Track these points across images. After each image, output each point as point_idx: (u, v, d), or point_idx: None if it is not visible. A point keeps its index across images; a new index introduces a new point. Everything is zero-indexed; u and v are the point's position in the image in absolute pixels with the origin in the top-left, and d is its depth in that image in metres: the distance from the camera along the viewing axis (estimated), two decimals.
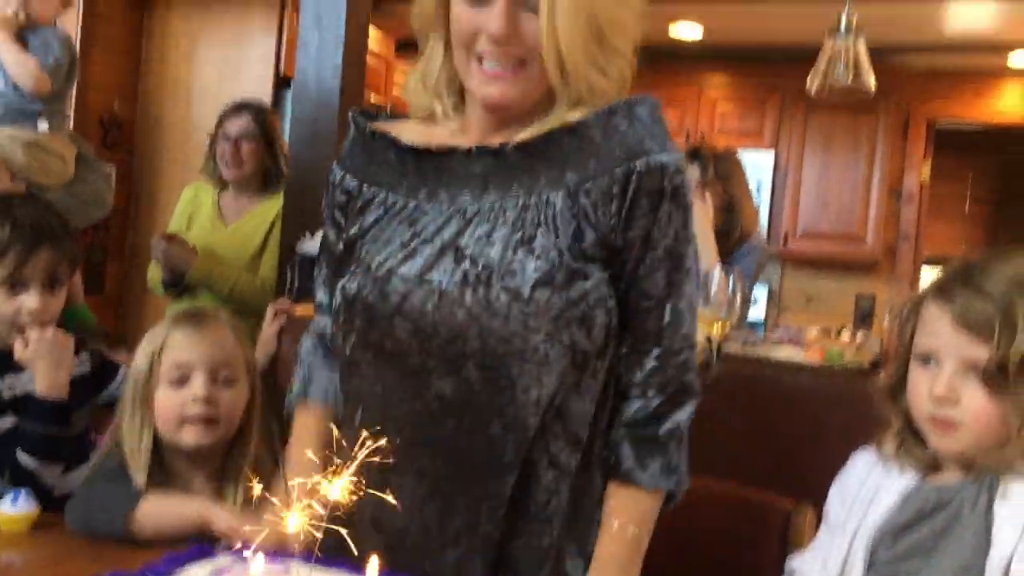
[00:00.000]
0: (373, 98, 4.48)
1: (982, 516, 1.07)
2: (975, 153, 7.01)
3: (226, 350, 1.42)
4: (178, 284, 2.72)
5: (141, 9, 4.00)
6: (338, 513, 0.83)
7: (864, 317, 5.29)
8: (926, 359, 1.12)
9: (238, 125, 2.81)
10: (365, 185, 1.20)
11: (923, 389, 1.11)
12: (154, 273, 2.80)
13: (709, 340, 2.50)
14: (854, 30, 2.74)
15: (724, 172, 3.35)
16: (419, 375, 1.09)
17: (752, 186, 4.32)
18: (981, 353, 1.06)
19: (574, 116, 1.11)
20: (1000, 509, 1.05)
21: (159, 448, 1.38)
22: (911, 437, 1.15)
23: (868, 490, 1.17)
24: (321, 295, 1.29)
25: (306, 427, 1.25)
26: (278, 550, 0.91)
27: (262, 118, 2.88)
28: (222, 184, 2.87)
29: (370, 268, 1.14)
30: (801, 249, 5.20)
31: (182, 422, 1.37)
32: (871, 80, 2.80)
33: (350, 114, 1.27)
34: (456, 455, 1.10)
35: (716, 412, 1.33)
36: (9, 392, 1.50)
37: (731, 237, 3.34)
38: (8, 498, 1.22)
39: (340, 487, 0.80)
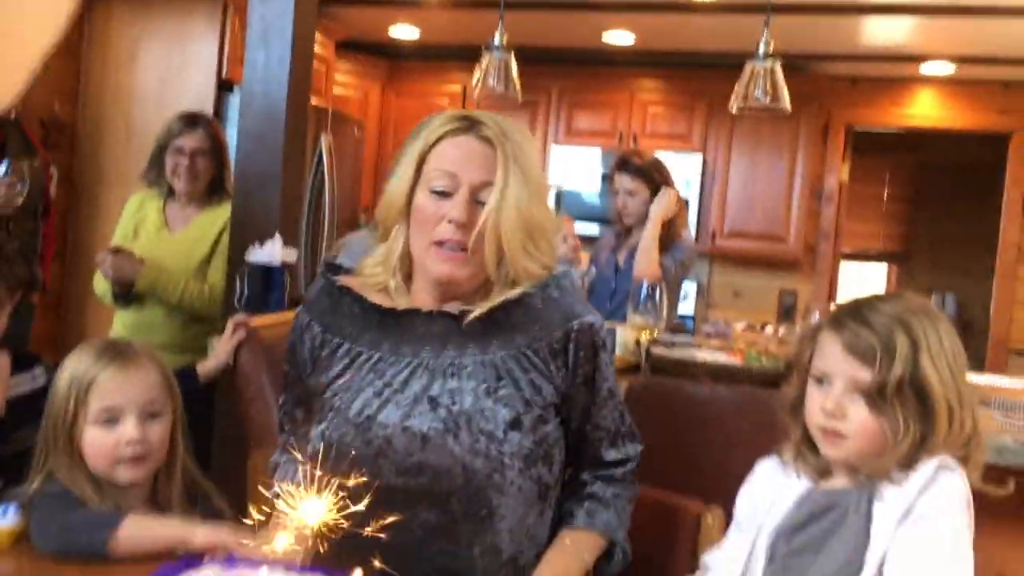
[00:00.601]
0: (314, 100, 4.56)
1: (863, 517, 1.24)
2: (892, 154, 7.34)
3: (152, 388, 1.47)
4: (127, 295, 2.80)
5: (82, 12, 4.01)
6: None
7: (787, 312, 5.55)
8: (820, 379, 1.29)
9: (194, 140, 2.88)
10: (328, 334, 1.41)
11: (816, 404, 1.29)
12: (101, 285, 2.86)
13: (638, 344, 2.67)
14: (772, 54, 2.93)
15: (652, 177, 3.53)
16: (406, 507, 1.26)
17: (680, 187, 4.52)
18: (865, 376, 1.24)
19: (515, 292, 1.37)
20: (877, 511, 1.23)
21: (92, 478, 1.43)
22: (807, 446, 1.32)
23: (770, 493, 1.35)
24: (284, 412, 1.49)
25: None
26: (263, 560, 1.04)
27: (213, 131, 2.96)
28: (169, 193, 2.95)
29: (348, 416, 1.33)
30: (728, 247, 5.42)
31: (115, 462, 1.42)
32: (787, 100, 3.00)
33: (320, 269, 1.49)
34: (438, 574, 1.29)
35: (636, 422, 1.49)
36: None
37: (663, 236, 3.52)
38: None
39: (315, 512, 0.93)
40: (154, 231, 2.93)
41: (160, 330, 2.85)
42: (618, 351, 2.81)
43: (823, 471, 1.31)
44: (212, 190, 2.97)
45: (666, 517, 1.54)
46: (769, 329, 5.02)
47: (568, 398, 1.39)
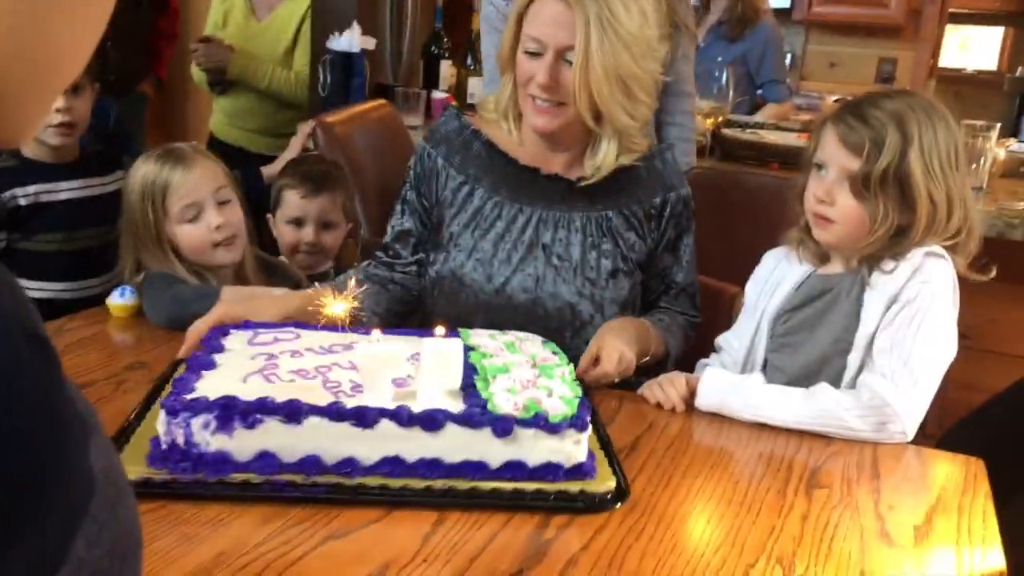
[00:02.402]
0: None
1: (854, 301, 1.38)
2: None
3: (218, 177, 1.65)
4: (222, 82, 2.99)
5: None
6: None
7: (885, 82, 5.38)
8: (819, 168, 1.40)
9: None
10: (453, 170, 1.56)
11: (812, 190, 1.40)
12: (197, 74, 3.06)
13: (703, 134, 2.74)
14: None
15: None
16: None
17: None
18: (854, 166, 1.34)
19: (624, 160, 1.54)
20: (868, 296, 1.37)
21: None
22: (808, 232, 1.45)
23: (774, 279, 1.49)
24: (399, 228, 1.62)
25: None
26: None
27: None
28: None
29: (471, 253, 1.53)
30: (824, 14, 5.21)
31: (212, 248, 1.63)
32: None
33: (451, 108, 1.65)
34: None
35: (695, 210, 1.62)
36: None
37: (737, 11, 3.46)
38: (117, 292, 1.56)
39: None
40: (242, 19, 3.07)
41: (254, 116, 3.05)
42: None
43: (822, 257, 1.45)
44: None
45: (707, 299, 1.69)
46: None
47: (653, 256, 1.59)
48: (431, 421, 1.01)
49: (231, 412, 0.95)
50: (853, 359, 1.36)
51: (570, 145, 1.56)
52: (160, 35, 3.38)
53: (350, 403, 1.02)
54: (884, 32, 5.26)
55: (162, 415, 0.95)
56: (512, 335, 1.31)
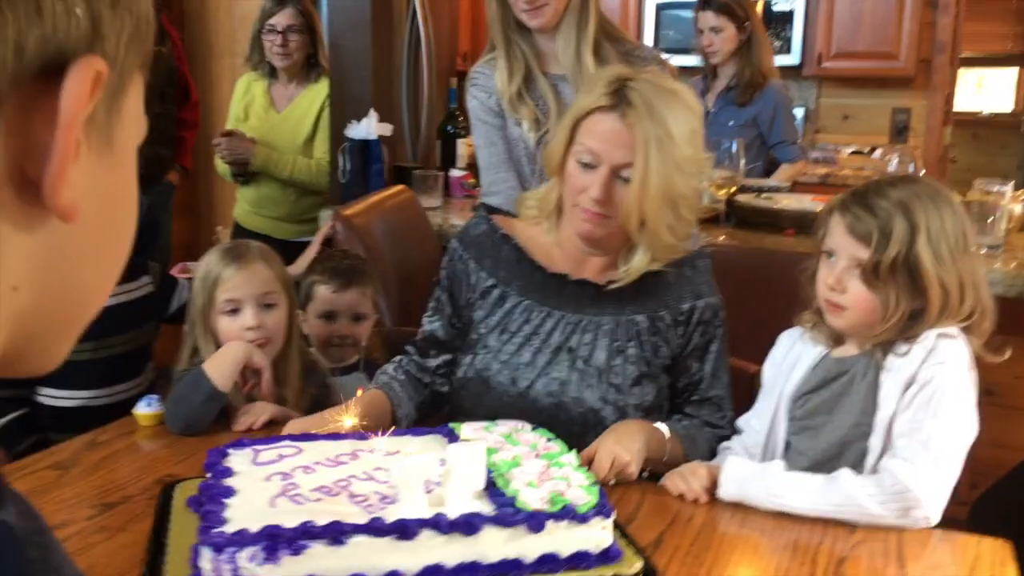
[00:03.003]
0: None
1: (871, 384, 1.39)
2: None
3: (267, 282, 1.71)
4: (245, 173, 3.08)
5: None
6: None
7: (899, 131, 5.40)
8: (828, 255, 1.43)
9: (285, 17, 3.06)
10: (484, 272, 1.60)
11: (823, 278, 1.43)
12: (221, 166, 3.15)
13: (718, 201, 2.77)
14: None
15: (735, 12, 3.49)
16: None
17: (786, 4, 4.40)
18: (863, 255, 1.37)
19: (655, 267, 1.55)
20: (884, 379, 1.38)
21: None
22: (821, 316, 1.47)
23: (790, 360, 1.51)
24: (429, 328, 1.67)
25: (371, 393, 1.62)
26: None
27: (303, 8, 3.11)
28: (271, 74, 3.16)
29: (498, 355, 1.56)
30: (836, 69, 5.25)
31: None
32: None
33: (479, 210, 1.69)
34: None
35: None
36: None
37: (745, 76, 3.51)
38: (144, 402, 1.60)
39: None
40: (262, 111, 3.17)
41: (278, 204, 3.14)
42: (704, 200, 2.91)
43: (836, 339, 1.46)
44: (310, 66, 3.16)
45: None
46: (878, 152, 4.95)
47: (678, 361, 1.59)
48: (469, 526, 1.04)
49: (276, 541, 0.96)
50: (874, 443, 1.36)
51: (608, 251, 1.58)
52: (183, 125, 3.49)
53: (386, 516, 1.04)
54: (896, 83, 5.30)
55: (206, 552, 0.96)
56: (504, 425, 1.34)
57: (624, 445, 1.41)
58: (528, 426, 1.35)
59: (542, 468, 1.18)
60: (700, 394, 1.61)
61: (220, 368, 1.58)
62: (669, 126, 1.44)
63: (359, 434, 1.28)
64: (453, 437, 1.30)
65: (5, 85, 0.34)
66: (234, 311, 1.69)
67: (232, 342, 1.65)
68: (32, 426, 1.86)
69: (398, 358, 1.71)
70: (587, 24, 2.11)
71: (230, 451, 1.23)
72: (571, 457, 1.23)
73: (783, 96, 3.62)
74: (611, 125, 1.47)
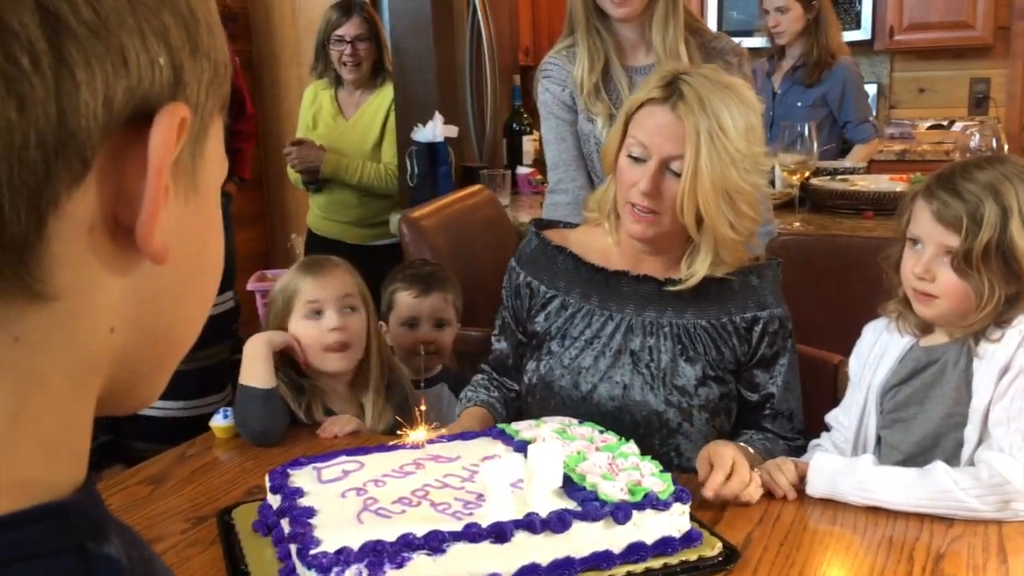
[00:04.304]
0: None
1: (963, 372, 1.35)
2: None
3: (347, 286, 1.72)
4: (316, 181, 3.12)
5: None
6: None
7: (979, 102, 5.22)
8: (914, 243, 1.38)
9: (352, 27, 3.08)
10: (543, 287, 1.60)
11: (909, 266, 1.38)
12: (292, 175, 3.20)
13: (792, 187, 2.72)
14: None
15: None
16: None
17: None
18: (953, 242, 1.31)
19: (719, 272, 1.51)
20: (977, 367, 1.33)
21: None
22: (907, 304, 1.42)
23: (876, 352, 1.46)
24: (498, 348, 1.72)
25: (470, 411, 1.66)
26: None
27: (369, 16, 3.14)
28: (337, 82, 3.19)
29: (562, 360, 1.56)
30: (909, 41, 5.10)
31: (324, 350, 1.68)
32: None
33: (530, 229, 1.68)
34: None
35: (784, 278, 1.61)
36: None
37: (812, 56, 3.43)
38: (220, 414, 1.63)
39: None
40: (330, 119, 3.21)
41: (349, 209, 3.18)
42: (777, 186, 2.86)
43: (924, 328, 1.41)
44: (375, 72, 3.19)
45: (807, 369, 1.65)
46: (958, 125, 4.78)
47: (744, 370, 1.56)
48: (561, 523, 1.06)
49: (380, 556, 0.97)
50: (970, 433, 1.32)
51: (666, 250, 1.56)
52: (240, 137, 3.56)
53: (478, 520, 1.05)
54: (973, 52, 5.12)
55: (309, 574, 0.97)
56: (553, 421, 1.35)
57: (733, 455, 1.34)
58: (575, 421, 1.36)
59: (608, 460, 1.21)
60: (773, 408, 1.58)
61: (253, 370, 1.60)
62: (722, 119, 1.42)
63: (411, 444, 1.29)
64: (506, 438, 1.31)
65: (96, 136, 0.35)
66: (316, 314, 1.69)
67: (247, 344, 1.65)
68: (100, 425, 1.92)
69: (480, 376, 1.74)
70: (679, 15, 2.05)
71: (290, 471, 1.24)
72: (631, 446, 1.26)
73: (853, 73, 3.53)
74: (662, 118, 1.45)
